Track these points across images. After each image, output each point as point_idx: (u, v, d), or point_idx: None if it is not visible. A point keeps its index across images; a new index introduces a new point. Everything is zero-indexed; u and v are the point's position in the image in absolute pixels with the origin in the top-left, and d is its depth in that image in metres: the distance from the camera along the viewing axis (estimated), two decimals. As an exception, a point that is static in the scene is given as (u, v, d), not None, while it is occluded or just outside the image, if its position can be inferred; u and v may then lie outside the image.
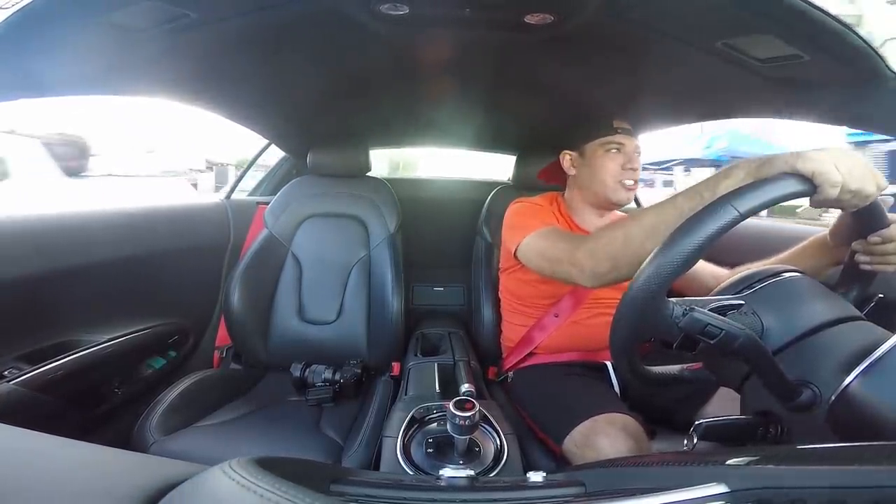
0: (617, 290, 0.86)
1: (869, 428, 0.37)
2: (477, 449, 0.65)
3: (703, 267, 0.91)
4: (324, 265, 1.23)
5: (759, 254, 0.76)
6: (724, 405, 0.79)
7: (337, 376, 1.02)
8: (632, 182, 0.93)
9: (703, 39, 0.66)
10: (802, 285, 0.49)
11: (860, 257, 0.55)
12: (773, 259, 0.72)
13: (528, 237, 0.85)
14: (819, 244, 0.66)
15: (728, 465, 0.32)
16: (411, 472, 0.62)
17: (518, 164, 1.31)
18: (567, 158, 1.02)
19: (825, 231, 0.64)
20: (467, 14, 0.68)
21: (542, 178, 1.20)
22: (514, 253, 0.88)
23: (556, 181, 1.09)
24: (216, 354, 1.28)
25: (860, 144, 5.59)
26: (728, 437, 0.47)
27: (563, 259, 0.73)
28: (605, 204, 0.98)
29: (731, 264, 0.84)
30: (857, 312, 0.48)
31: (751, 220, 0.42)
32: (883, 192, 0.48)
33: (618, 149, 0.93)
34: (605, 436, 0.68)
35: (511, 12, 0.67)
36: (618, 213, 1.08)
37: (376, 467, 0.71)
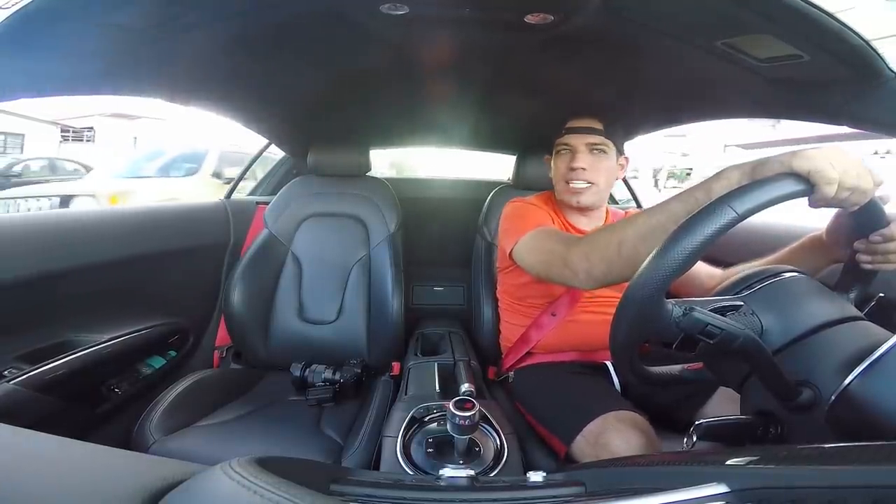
0: (614, 289, 0.86)
1: (869, 428, 0.37)
2: (477, 449, 0.65)
3: (699, 267, 0.90)
4: (324, 265, 1.23)
5: (755, 252, 0.76)
6: (724, 405, 0.79)
7: (337, 376, 1.02)
8: (581, 183, 0.92)
9: (703, 39, 0.66)
10: (802, 285, 0.49)
11: (861, 256, 0.54)
12: (768, 258, 0.72)
13: (523, 238, 0.85)
14: (815, 243, 0.66)
15: (728, 465, 0.32)
16: (411, 472, 0.62)
17: (518, 163, 1.31)
18: (549, 162, 1.04)
19: (821, 230, 0.64)
20: (467, 14, 0.68)
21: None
22: (510, 254, 0.88)
23: None
24: (216, 354, 1.28)
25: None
26: (728, 437, 0.47)
27: (557, 261, 0.72)
28: (565, 206, 0.98)
29: (728, 263, 0.84)
30: (857, 312, 0.48)
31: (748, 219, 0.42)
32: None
33: (567, 149, 0.94)
34: (617, 433, 0.67)
35: (511, 12, 0.67)
36: (616, 211, 1.09)
37: (376, 467, 0.71)
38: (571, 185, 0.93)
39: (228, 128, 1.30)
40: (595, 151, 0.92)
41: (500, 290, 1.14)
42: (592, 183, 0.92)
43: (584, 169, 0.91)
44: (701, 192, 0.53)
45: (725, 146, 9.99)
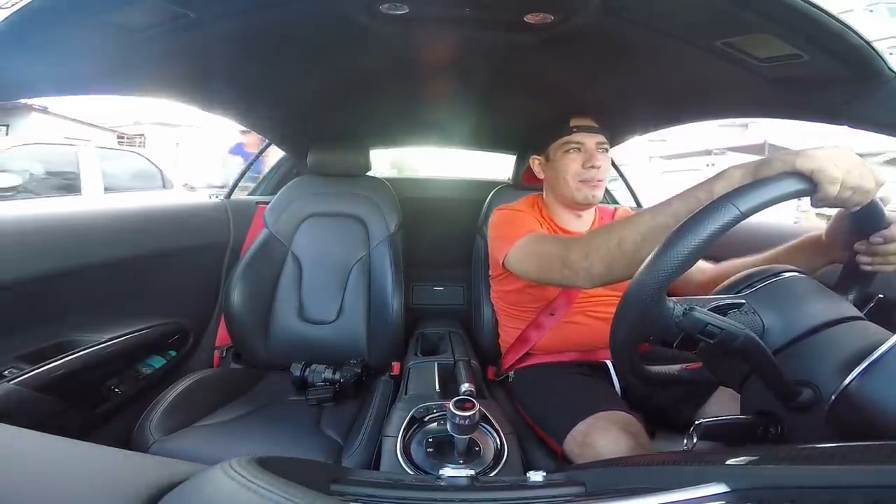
0: (610, 289, 0.86)
1: (869, 428, 0.37)
2: (477, 449, 0.65)
3: None
4: (324, 265, 1.23)
5: (752, 249, 0.75)
6: (724, 405, 0.79)
7: (337, 376, 1.02)
8: (597, 180, 0.93)
9: (703, 39, 0.66)
10: (803, 285, 0.49)
11: (861, 258, 0.54)
12: (764, 255, 0.71)
13: (515, 246, 0.84)
14: (813, 243, 0.65)
15: (728, 465, 0.32)
16: (411, 472, 0.62)
17: (518, 163, 1.31)
18: (536, 163, 1.03)
19: (820, 230, 0.64)
20: (467, 13, 0.68)
21: (524, 181, 1.22)
22: (503, 263, 0.88)
23: (537, 182, 1.09)
24: (216, 354, 1.28)
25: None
26: (728, 437, 0.47)
27: (556, 263, 0.71)
28: (573, 204, 0.98)
29: (720, 260, 0.84)
30: (857, 312, 0.48)
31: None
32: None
33: (577, 148, 0.93)
34: (604, 433, 0.68)
35: (511, 12, 0.67)
36: (605, 208, 1.09)
37: (376, 467, 0.71)
38: (588, 182, 0.93)
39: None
40: (600, 150, 0.94)
41: (493, 296, 1.14)
42: (601, 180, 0.94)
43: (600, 167, 0.92)
44: (703, 191, 0.53)
45: (651, 157, 11.19)
